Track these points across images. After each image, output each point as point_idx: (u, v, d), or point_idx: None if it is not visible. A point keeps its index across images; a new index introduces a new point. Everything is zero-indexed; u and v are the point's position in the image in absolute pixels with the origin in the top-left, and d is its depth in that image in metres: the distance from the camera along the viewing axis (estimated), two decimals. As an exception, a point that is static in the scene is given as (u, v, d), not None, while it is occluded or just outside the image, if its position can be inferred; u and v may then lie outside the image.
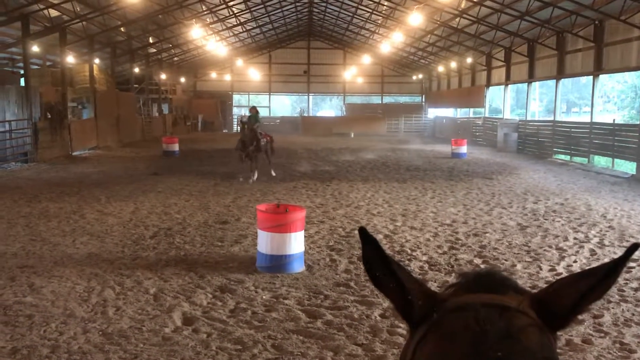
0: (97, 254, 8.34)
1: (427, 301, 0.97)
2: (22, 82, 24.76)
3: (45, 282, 6.92)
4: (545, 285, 1.06)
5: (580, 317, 0.97)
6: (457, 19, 28.00)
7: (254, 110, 17.99)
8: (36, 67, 28.70)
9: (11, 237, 9.33)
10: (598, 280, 0.95)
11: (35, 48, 24.85)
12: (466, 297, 0.96)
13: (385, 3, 30.11)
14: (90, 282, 6.98)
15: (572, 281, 0.98)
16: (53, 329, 5.50)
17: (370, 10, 33.25)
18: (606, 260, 8.07)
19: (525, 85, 29.03)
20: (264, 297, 6.51)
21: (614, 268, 0.95)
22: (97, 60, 30.21)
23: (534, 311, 0.94)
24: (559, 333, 0.98)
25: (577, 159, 22.61)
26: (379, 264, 0.98)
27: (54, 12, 23.24)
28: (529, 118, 29.00)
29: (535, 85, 29.10)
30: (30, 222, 10.46)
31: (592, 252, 8.62)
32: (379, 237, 9.52)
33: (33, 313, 5.90)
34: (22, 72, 25.77)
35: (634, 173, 18.14)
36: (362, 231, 0.99)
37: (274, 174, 16.99)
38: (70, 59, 27.80)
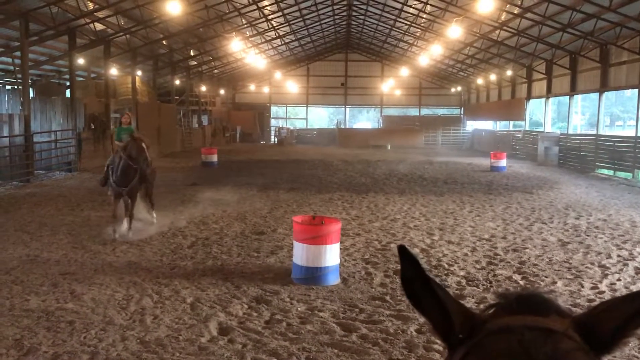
0: (136, 262, 8.49)
1: (467, 322, 0.95)
2: (68, 93, 25.57)
3: (85, 289, 7.08)
4: (587, 306, 1.02)
5: (626, 341, 0.94)
6: (497, 31, 27.71)
7: (126, 118, 11.69)
8: (81, 79, 29.56)
9: (54, 244, 9.59)
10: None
11: (80, 61, 25.63)
12: (508, 319, 0.94)
13: (424, 15, 30.02)
14: (129, 290, 7.11)
15: (618, 304, 0.94)
16: (93, 336, 5.61)
17: (409, 23, 33.20)
18: (652, 279, 7.81)
19: (567, 98, 28.46)
20: (299, 308, 6.51)
21: None
22: (139, 73, 30.96)
23: (578, 335, 0.91)
24: (604, 358, 0.94)
25: (621, 174, 21.98)
26: (419, 283, 0.96)
27: (99, 26, 23.96)
28: (570, 131, 28.38)
29: (578, 98, 28.49)
30: (72, 230, 10.73)
31: (637, 270, 8.35)
32: (416, 250, 9.44)
33: (74, 319, 6.04)
34: (67, 84, 26.61)
35: (682, 189, 17.52)
36: (402, 249, 0.98)
37: (154, 219, 11.32)
38: (113, 71, 28.58)
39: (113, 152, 10.93)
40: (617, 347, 0.93)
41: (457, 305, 0.97)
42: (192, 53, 34.80)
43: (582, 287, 7.55)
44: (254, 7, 27.95)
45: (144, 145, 10.28)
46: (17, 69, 23.23)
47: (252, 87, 48.99)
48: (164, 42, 30.02)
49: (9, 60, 23.84)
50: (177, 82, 35.96)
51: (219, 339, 5.60)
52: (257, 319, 6.16)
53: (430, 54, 35.81)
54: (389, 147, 41.03)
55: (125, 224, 10.22)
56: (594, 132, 25.75)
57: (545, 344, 0.87)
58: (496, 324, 0.93)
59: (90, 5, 21.49)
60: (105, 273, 7.84)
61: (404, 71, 43.36)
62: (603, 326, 0.92)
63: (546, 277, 8.00)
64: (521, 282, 7.72)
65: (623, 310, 0.93)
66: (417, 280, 0.96)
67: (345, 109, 50.94)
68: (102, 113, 25.04)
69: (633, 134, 22.29)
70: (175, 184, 18.13)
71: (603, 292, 7.34)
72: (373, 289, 7.32)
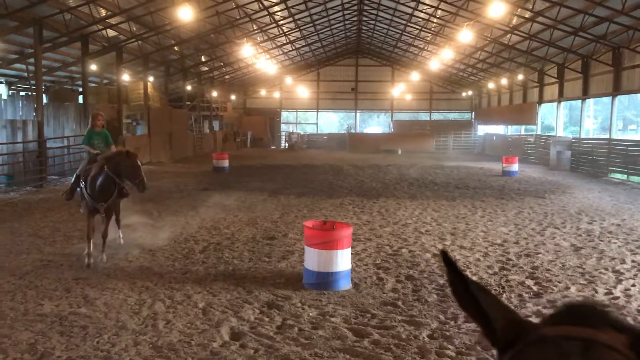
0: (149, 267, 8.53)
1: (510, 329, 0.94)
2: (80, 99, 25.79)
3: (98, 294, 7.12)
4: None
5: None
6: (509, 35, 27.61)
7: (99, 120, 9.97)
8: (93, 85, 29.84)
9: (67, 249, 9.65)
10: None
11: (93, 67, 25.86)
12: (552, 328, 0.92)
13: (435, 20, 29.99)
14: (142, 295, 7.14)
15: None
16: (106, 340, 5.64)
17: (420, 27, 33.19)
18: (667, 284, 7.73)
19: (579, 102, 28.26)
20: (310, 314, 6.50)
21: None
22: (151, 78, 31.20)
23: (635, 352, 0.85)
24: None
25: (635, 178, 21.78)
26: (461, 288, 0.96)
27: (111, 32, 24.17)
28: (583, 136, 28.18)
29: (590, 102, 28.29)
30: (85, 235, 10.77)
31: (652, 276, 8.26)
32: (427, 256, 9.40)
33: (87, 324, 6.07)
34: (80, 90, 26.84)
35: (697, 193, 17.33)
36: (444, 255, 0.97)
37: (121, 240, 9.81)
38: (125, 77, 28.81)
39: (91, 161, 9.22)
40: None
41: (502, 311, 0.96)
42: (203, 59, 35.00)
43: (596, 292, 7.48)
44: (265, 12, 28.08)
45: (139, 162, 8.97)
46: (30, 75, 23.46)
47: (262, 92, 49.18)
48: (176, 48, 30.22)
49: (23, 66, 24.10)
50: (189, 87, 36.17)
51: (231, 344, 5.61)
52: (268, 324, 6.16)
53: (441, 59, 35.76)
54: (399, 152, 40.95)
55: (94, 246, 8.68)
56: (607, 136, 25.56)
57: (581, 356, 0.83)
58: (539, 333, 0.92)
59: (103, 12, 21.69)
60: (117, 278, 7.88)
61: (415, 76, 43.31)
62: None
63: (559, 282, 7.93)
64: (534, 288, 7.67)
65: None
66: (459, 285, 0.96)
67: (356, 114, 50.96)
68: (114, 119, 25.22)
69: (646, 138, 22.10)
70: (187, 189, 18.21)
71: (617, 297, 7.27)
72: (385, 294, 7.30)
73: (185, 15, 20.75)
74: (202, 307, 6.69)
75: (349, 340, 5.72)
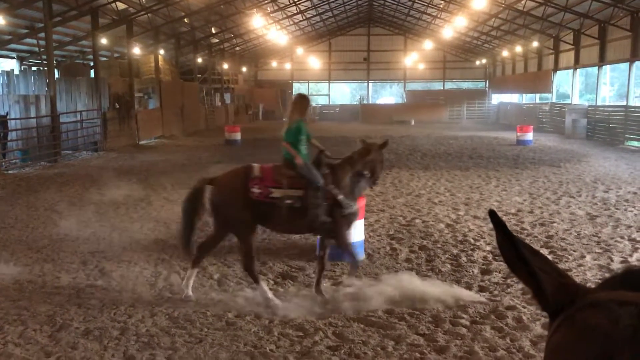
0: (164, 239, 8.60)
1: (561, 292, 0.90)
2: (92, 73, 25.78)
3: (114, 267, 7.20)
4: None
5: None
6: (523, 1, 27.03)
7: (304, 104, 6.61)
8: (105, 59, 29.77)
9: (83, 223, 9.74)
10: None
11: (103, 40, 25.76)
12: (606, 293, 0.88)
13: (448, -13, 29.44)
14: (157, 267, 7.21)
15: None
16: (122, 312, 5.72)
17: (432, -5, 32.61)
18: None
19: (596, 69, 27.75)
20: (324, 284, 6.52)
21: None
22: (162, 51, 31.05)
23: None
24: None
25: (652, 146, 21.49)
26: (510, 250, 0.92)
27: (121, 5, 24.00)
28: (599, 103, 27.73)
29: (606, 69, 27.75)
30: (100, 209, 10.88)
31: (669, 244, 8.18)
32: (441, 226, 9.38)
33: (103, 296, 6.16)
34: (91, 64, 26.81)
35: None
36: (492, 214, 0.93)
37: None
38: (136, 51, 28.69)
39: (297, 165, 6.11)
40: None
41: (552, 273, 0.92)
42: (213, 31, 34.74)
43: (612, 261, 7.42)
44: (275, -18, 27.71)
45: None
46: (42, 50, 23.46)
47: (274, 64, 48.82)
48: (186, 20, 29.99)
49: (34, 41, 24.06)
50: (200, 60, 35.99)
51: (246, 314, 5.66)
52: (283, 295, 6.20)
53: (454, 26, 35.16)
54: (412, 123, 40.64)
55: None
56: (624, 103, 25.12)
57: (632, 319, 0.79)
58: (592, 297, 0.88)
59: (112, -15, 21.53)
60: (133, 250, 7.96)
61: (428, 44, 42.69)
62: None
63: (574, 251, 7.89)
64: (549, 257, 7.61)
65: None
66: (507, 246, 0.92)
67: (368, 84, 50.51)
68: (126, 92, 25.23)
69: (665, 105, 21.71)
70: (200, 162, 18.25)
71: (634, 266, 7.21)
72: (398, 265, 7.31)
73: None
74: (217, 279, 6.75)
75: (364, 310, 5.74)
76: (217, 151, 21.77)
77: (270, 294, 5.88)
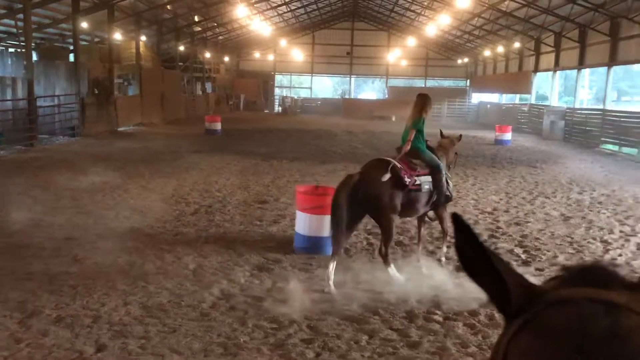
0: (139, 228, 8.53)
1: (525, 293, 0.90)
2: (71, 57, 25.37)
3: (89, 254, 7.12)
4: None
5: None
6: (506, 2, 27.25)
7: (426, 102, 7.06)
8: (85, 43, 29.29)
9: (58, 209, 9.62)
10: None
11: (84, 24, 25.34)
12: (568, 290, 0.88)
13: (433, -16, 29.54)
14: (132, 255, 7.14)
15: None
16: (95, 300, 5.66)
17: (417, -8, 32.69)
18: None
19: (575, 72, 28.12)
20: (300, 277, 6.54)
21: None
22: (143, 38, 30.66)
23: None
24: None
25: (627, 150, 21.85)
26: (474, 253, 0.91)
27: (103, -11, 23.61)
28: (577, 106, 28.12)
29: (585, 72, 28.15)
30: (76, 195, 10.75)
31: (639, 247, 8.35)
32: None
33: (77, 283, 6.08)
34: (71, 47, 26.37)
35: (687, 166, 17.43)
36: (456, 217, 0.92)
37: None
38: (117, 36, 28.28)
39: (424, 152, 6.93)
40: None
41: (514, 275, 0.92)
42: (196, 19, 34.40)
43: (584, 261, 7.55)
44: (260, -28, 27.51)
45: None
46: (20, 31, 22.99)
47: (256, 54, 48.53)
48: (168, 7, 29.64)
49: (12, 22, 23.57)
50: (182, 48, 35.63)
51: (221, 305, 5.65)
52: (259, 287, 6.20)
53: (437, 24, 35.29)
54: (393, 119, 40.73)
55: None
56: (601, 106, 25.53)
57: (605, 318, 0.80)
58: (555, 295, 0.88)
59: (94, -32, 21.17)
60: (108, 238, 7.87)
61: (411, 41, 42.82)
62: None
63: (548, 251, 8.01)
64: (522, 256, 7.74)
65: None
66: (471, 250, 0.91)
67: (351, 79, 50.52)
68: (105, 78, 24.89)
69: (639, 110, 22.10)
70: (179, 151, 18.11)
71: (604, 267, 7.35)
72: (374, 259, 7.35)
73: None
74: (193, 269, 6.71)
75: (338, 304, 5.77)
76: (197, 140, 21.61)
77: (331, 282, 6.14)
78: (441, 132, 8.01)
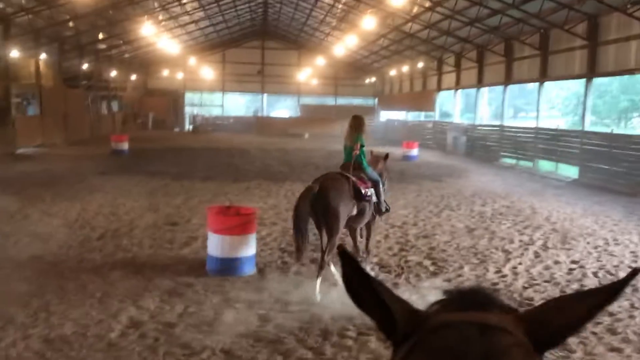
0: (40, 256, 8.06)
1: (409, 319, 0.95)
2: (-38, 75, 23.73)
3: (-17, 286, 6.64)
4: (492, 289, 1.05)
5: (570, 337, 0.96)
6: (410, 24, 28.41)
7: (361, 121, 7.89)
8: (-23, 60, 27.50)
9: (-53, 238, 8.92)
10: (600, 303, 0.93)
11: (-24, 41, 23.82)
12: (449, 315, 0.94)
13: (340, 6, 30.28)
14: (32, 285, 6.73)
15: (568, 301, 0.97)
16: (-9, 336, 5.28)
17: (325, 13, 33.38)
18: (549, 262, 8.35)
19: (475, 90, 29.71)
20: (213, 300, 6.43)
21: (615, 292, 0.94)
22: (43, 55, 29.22)
23: (522, 330, 0.91)
24: (546, 353, 0.95)
25: (523, 163, 23.28)
26: (360, 283, 0.96)
27: (-3, 4, 22.36)
28: (477, 122, 29.69)
29: (484, 90, 29.80)
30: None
31: (536, 255, 8.89)
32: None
33: (-30, 319, 5.65)
34: (-38, 65, 24.66)
35: (576, 177, 18.81)
36: (342, 250, 0.97)
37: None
38: (14, 53, 26.78)
39: (367, 168, 7.62)
40: (562, 343, 0.94)
41: (399, 302, 0.97)
42: (100, 36, 33.27)
43: (487, 271, 7.95)
44: (167, -10, 27.08)
45: None
46: None
47: (165, 72, 47.50)
48: (70, 24, 28.49)
49: None
50: (85, 66, 34.28)
51: (130, 334, 5.44)
52: (169, 313, 6.03)
53: (345, 44, 36.18)
54: (306, 136, 41.18)
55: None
56: (499, 123, 27.08)
57: (481, 339, 0.87)
58: (437, 320, 0.93)
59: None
60: (5, 268, 7.38)
61: (321, 61, 43.57)
62: (551, 323, 0.93)
63: (454, 262, 8.35)
64: (431, 268, 8.02)
65: (573, 308, 0.94)
66: (357, 280, 0.96)
67: (263, 97, 50.56)
68: (1, 97, 23.46)
69: (534, 125, 23.63)
70: (83, 173, 17.33)
71: (506, 275, 7.77)
72: (289, 278, 7.35)
73: (80, -11, 19.55)
74: (99, 297, 6.42)
75: (253, 326, 5.72)
76: (102, 161, 20.80)
77: (317, 289, 6.57)
78: (371, 152, 8.37)
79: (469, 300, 0.99)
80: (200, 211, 11.40)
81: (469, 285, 1.11)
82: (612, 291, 0.95)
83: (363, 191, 7.14)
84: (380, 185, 7.57)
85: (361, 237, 7.99)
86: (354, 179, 7.12)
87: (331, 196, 6.78)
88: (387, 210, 7.93)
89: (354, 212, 7.08)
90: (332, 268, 6.98)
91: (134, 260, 7.99)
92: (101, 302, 6.26)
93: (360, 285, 0.97)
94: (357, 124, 7.71)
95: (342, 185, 6.99)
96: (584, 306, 0.95)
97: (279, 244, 9.17)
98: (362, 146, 7.48)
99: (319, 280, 6.66)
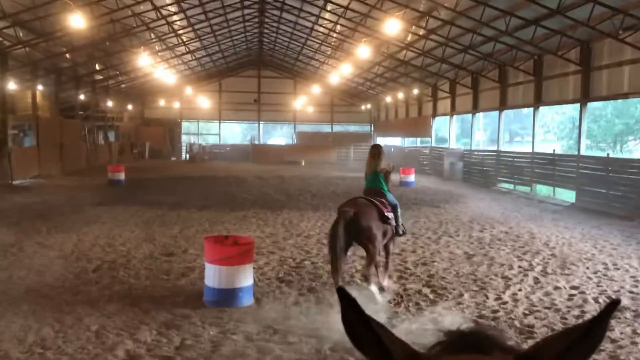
0: (36, 289, 7.97)
1: None
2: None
3: (-23, 321, 6.55)
4: (492, 317, 1.04)
5: None
6: (404, 52, 28.72)
7: (379, 152, 8.56)
8: (-25, 92, 27.61)
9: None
10: (575, 339, 0.93)
11: (-26, 73, 23.96)
12: (450, 357, 0.94)
13: (335, 35, 30.64)
14: (28, 319, 6.65)
15: (556, 338, 0.97)
16: (-15, 373, 5.19)
17: (320, 42, 33.75)
18: (550, 288, 8.29)
19: (470, 115, 29.91)
20: (211, 332, 6.35)
21: (591, 327, 0.94)
22: (40, 87, 29.39)
23: None
24: None
25: (520, 188, 23.30)
26: (360, 325, 0.94)
27: (-5, 37, 22.56)
28: (473, 147, 29.79)
29: (479, 115, 30.02)
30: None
31: (536, 281, 8.83)
32: (329, 267, 9.48)
33: (-37, 355, 5.57)
34: (-41, 98, 24.74)
35: (574, 201, 18.82)
36: (341, 291, 0.96)
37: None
38: (11, 85, 26.93)
39: (388, 193, 8.52)
40: None
41: (399, 345, 0.96)
42: (97, 67, 33.51)
43: (487, 298, 7.88)
44: (163, 22, 27.37)
45: None
46: None
47: (162, 102, 47.75)
48: (67, 55, 28.71)
49: None
50: (82, 96, 34.46)
51: (126, 368, 5.35)
52: (167, 345, 5.95)
53: (340, 73, 36.52)
54: (303, 163, 41.29)
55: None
56: (495, 148, 27.19)
57: None
58: None
59: (-15, 15, 20.21)
60: (1, 302, 7.29)
61: (316, 89, 43.91)
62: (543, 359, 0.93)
63: (454, 289, 8.28)
64: (430, 296, 7.95)
65: (559, 344, 0.94)
66: (357, 321, 0.94)
67: (259, 125, 50.81)
68: (-2, 129, 23.49)
69: (530, 150, 23.72)
70: (79, 203, 17.28)
71: (506, 302, 7.70)
72: (287, 309, 7.27)
73: (77, 22, 19.75)
74: (95, 330, 6.34)
75: (251, 358, 5.64)
76: (99, 192, 20.76)
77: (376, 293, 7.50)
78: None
79: (470, 342, 0.98)
80: (197, 241, 11.35)
81: (469, 327, 1.10)
82: (588, 327, 0.94)
83: (386, 214, 7.84)
84: (398, 210, 8.29)
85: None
86: (378, 203, 7.87)
87: (365, 219, 7.54)
88: (404, 232, 8.70)
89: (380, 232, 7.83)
90: (373, 287, 7.59)
91: (131, 292, 7.91)
92: (98, 336, 6.18)
93: (361, 327, 0.95)
94: (376, 152, 8.52)
95: (371, 209, 7.78)
96: (566, 342, 0.94)
97: (276, 273, 9.10)
98: (384, 172, 8.39)
99: (372, 287, 7.56)
